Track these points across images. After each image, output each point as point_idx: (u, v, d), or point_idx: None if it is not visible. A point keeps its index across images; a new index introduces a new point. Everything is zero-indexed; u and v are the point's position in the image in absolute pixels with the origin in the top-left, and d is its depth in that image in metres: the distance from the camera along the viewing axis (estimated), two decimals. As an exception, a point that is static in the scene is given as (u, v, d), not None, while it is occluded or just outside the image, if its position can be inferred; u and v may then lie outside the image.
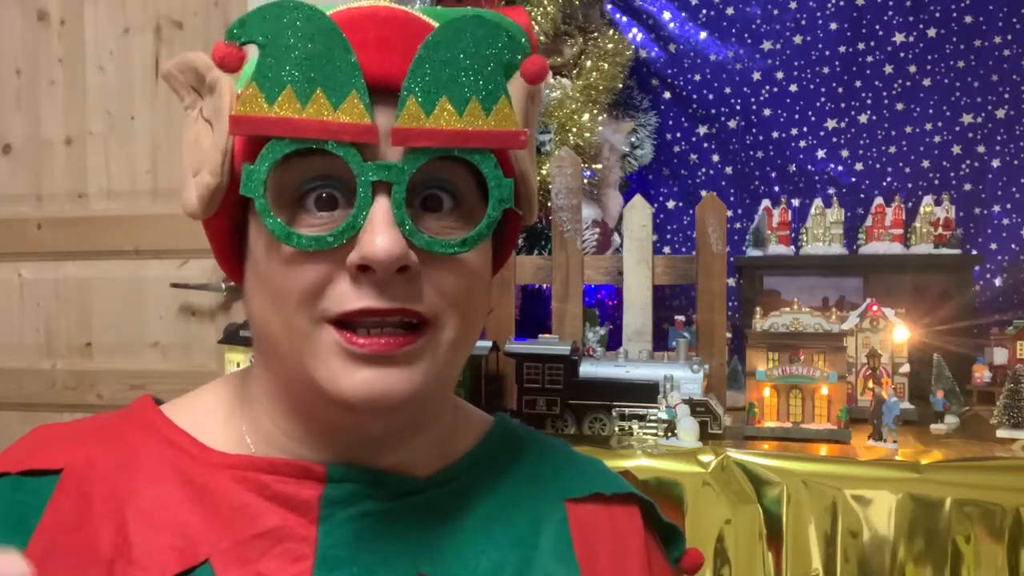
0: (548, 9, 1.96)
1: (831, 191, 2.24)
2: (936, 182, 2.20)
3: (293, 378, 0.52)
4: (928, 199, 1.99)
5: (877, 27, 2.22)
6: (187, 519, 0.51)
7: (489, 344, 1.49)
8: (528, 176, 0.57)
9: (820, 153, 2.27)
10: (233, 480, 0.53)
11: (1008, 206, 2.16)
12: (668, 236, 2.40)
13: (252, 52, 0.49)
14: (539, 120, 1.71)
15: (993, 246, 2.16)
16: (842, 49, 2.24)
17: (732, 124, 2.32)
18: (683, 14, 2.33)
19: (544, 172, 1.75)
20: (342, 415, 0.51)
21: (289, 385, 0.53)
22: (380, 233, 0.47)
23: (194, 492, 0.53)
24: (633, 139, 2.23)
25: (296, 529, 0.52)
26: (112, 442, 0.55)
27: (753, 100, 2.30)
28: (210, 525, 0.51)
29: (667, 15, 2.34)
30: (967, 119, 2.18)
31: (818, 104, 2.27)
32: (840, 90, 2.25)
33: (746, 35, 2.30)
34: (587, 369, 1.41)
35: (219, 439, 0.56)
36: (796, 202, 2.18)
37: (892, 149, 2.23)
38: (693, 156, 2.36)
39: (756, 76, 2.29)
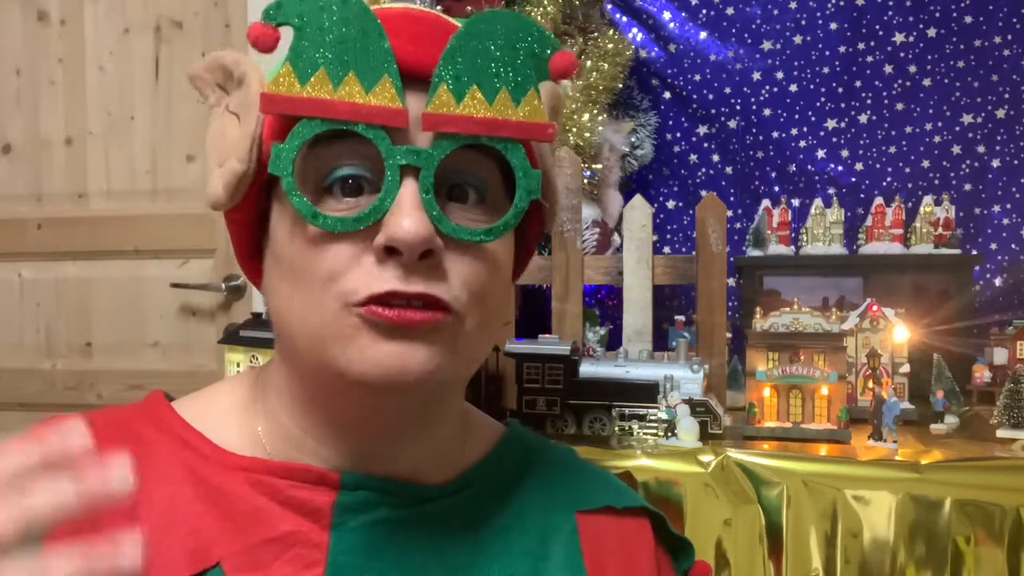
0: (548, 9, 1.96)
1: (831, 191, 2.24)
2: (936, 182, 2.20)
3: (313, 368, 0.51)
4: (928, 199, 1.99)
5: (877, 27, 2.22)
6: (199, 521, 0.51)
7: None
8: (552, 176, 0.57)
9: (820, 153, 2.27)
10: (247, 483, 0.53)
11: (1008, 206, 2.16)
12: (668, 236, 2.40)
13: (287, 36, 0.50)
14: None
15: (993, 246, 2.16)
16: (842, 49, 2.24)
17: (732, 124, 2.32)
18: (683, 14, 2.33)
19: (544, 172, 1.74)
20: (359, 403, 0.51)
21: (308, 378, 0.53)
22: (408, 216, 0.47)
23: (207, 493, 0.52)
24: (633, 139, 2.23)
25: (308, 535, 0.52)
26: (125, 439, 0.55)
27: (753, 100, 2.30)
28: (222, 528, 0.51)
29: (667, 15, 2.34)
30: (967, 119, 2.18)
31: (818, 104, 2.27)
32: (840, 90, 2.25)
33: (746, 35, 2.30)
34: (587, 369, 1.41)
35: (234, 440, 0.55)
36: (796, 202, 2.18)
37: (892, 149, 2.23)
38: (693, 156, 2.36)
39: (756, 76, 2.29)
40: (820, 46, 2.25)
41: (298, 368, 0.54)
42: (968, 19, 2.16)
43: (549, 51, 0.51)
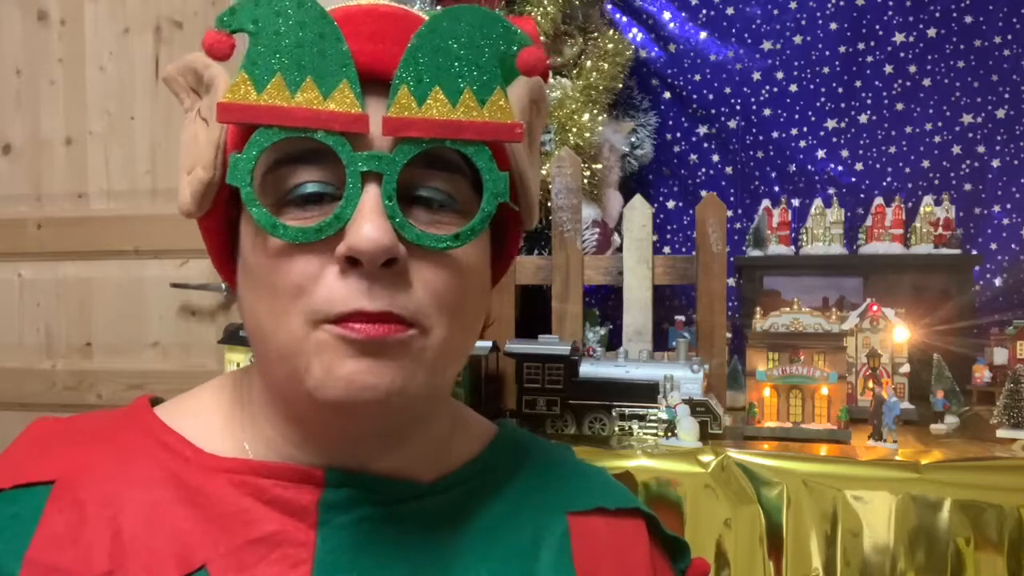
0: (548, 9, 1.96)
1: (831, 191, 2.24)
2: (936, 182, 2.20)
3: (284, 379, 0.50)
4: (928, 199, 1.99)
5: (877, 27, 2.22)
6: (183, 525, 0.51)
7: (489, 344, 1.49)
8: (527, 177, 0.56)
9: (820, 153, 2.27)
10: (230, 484, 0.52)
11: (1008, 206, 2.16)
12: (668, 236, 2.40)
13: (243, 42, 0.48)
14: (539, 120, 1.70)
15: (993, 246, 2.16)
16: (842, 49, 2.24)
17: (732, 124, 2.32)
18: (683, 14, 2.33)
19: (544, 172, 1.75)
20: (334, 417, 0.50)
21: (282, 387, 0.52)
22: (368, 222, 0.45)
23: (189, 497, 0.52)
24: (633, 139, 2.23)
25: (294, 534, 0.51)
26: (106, 445, 0.54)
27: (753, 100, 2.30)
28: (206, 530, 0.50)
29: (667, 15, 2.34)
30: (967, 119, 2.18)
31: (818, 104, 2.27)
32: (840, 90, 2.25)
33: (746, 35, 2.30)
34: (587, 369, 1.41)
35: (216, 442, 0.55)
36: (796, 202, 2.18)
37: (892, 149, 2.23)
38: (693, 156, 2.36)
39: (756, 76, 2.29)
40: (820, 46, 2.25)
41: (271, 381, 0.53)
42: (968, 19, 2.16)
43: (516, 47, 0.49)
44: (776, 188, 2.30)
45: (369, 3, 0.51)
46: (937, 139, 2.19)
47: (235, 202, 0.52)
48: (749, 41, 2.30)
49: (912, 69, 2.20)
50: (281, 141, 0.47)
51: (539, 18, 1.95)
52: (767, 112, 2.29)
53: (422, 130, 0.47)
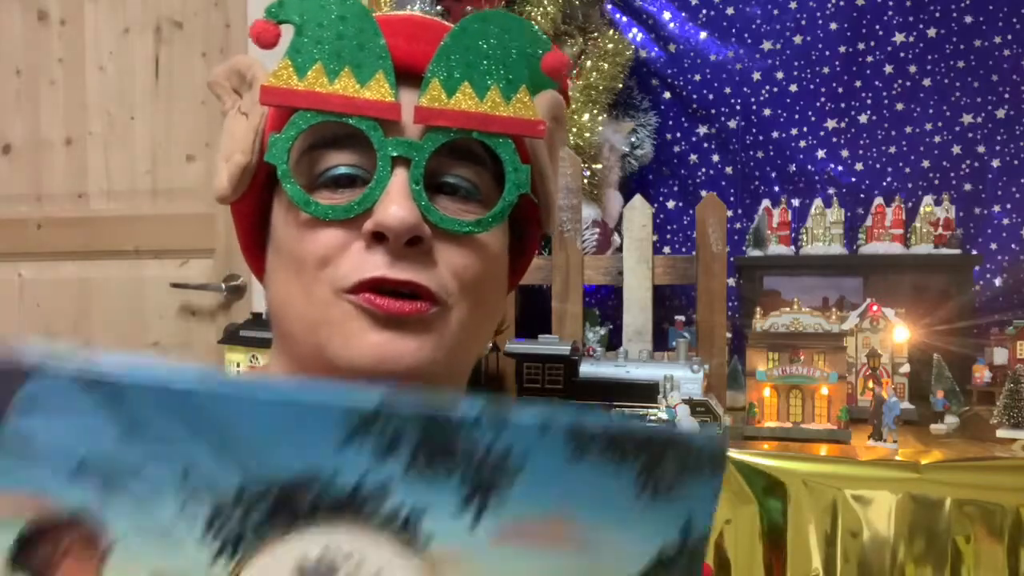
0: (548, 9, 1.96)
1: (831, 191, 2.24)
2: (936, 182, 2.20)
3: (307, 356, 0.52)
4: (928, 199, 1.99)
5: (877, 27, 2.22)
6: None
7: (489, 344, 1.49)
8: (548, 178, 0.58)
9: (820, 153, 2.27)
10: None
11: (1008, 206, 2.16)
12: (668, 236, 2.40)
13: (288, 34, 0.52)
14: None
15: (993, 246, 2.16)
16: (842, 49, 2.24)
17: (732, 124, 2.32)
18: (683, 14, 2.33)
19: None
20: None
21: (305, 362, 0.53)
22: (395, 203, 0.48)
23: None
24: (633, 139, 2.23)
25: None
26: None
27: (753, 100, 2.30)
28: None
29: (667, 15, 2.34)
30: (967, 119, 2.18)
31: (818, 104, 2.27)
32: (840, 90, 2.25)
33: (746, 35, 2.30)
34: (587, 369, 1.41)
35: None
36: (796, 202, 2.18)
37: (892, 149, 2.23)
38: (693, 156, 2.36)
39: (756, 76, 2.29)
40: (820, 46, 2.25)
41: (293, 357, 0.54)
42: (968, 19, 2.16)
43: (541, 51, 0.53)
44: (776, 188, 2.30)
45: (407, 13, 0.56)
46: (937, 139, 2.19)
47: (268, 186, 0.55)
48: (749, 41, 2.30)
49: (912, 69, 2.20)
50: (317, 124, 0.50)
51: (539, 18, 1.95)
52: (767, 112, 2.29)
53: (451, 120, 0.50)
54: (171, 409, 0.26)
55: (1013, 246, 2.15)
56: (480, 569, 0.27)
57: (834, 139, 2.26)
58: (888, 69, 2.22)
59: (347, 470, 0.26)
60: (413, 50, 0.51)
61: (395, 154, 0.49)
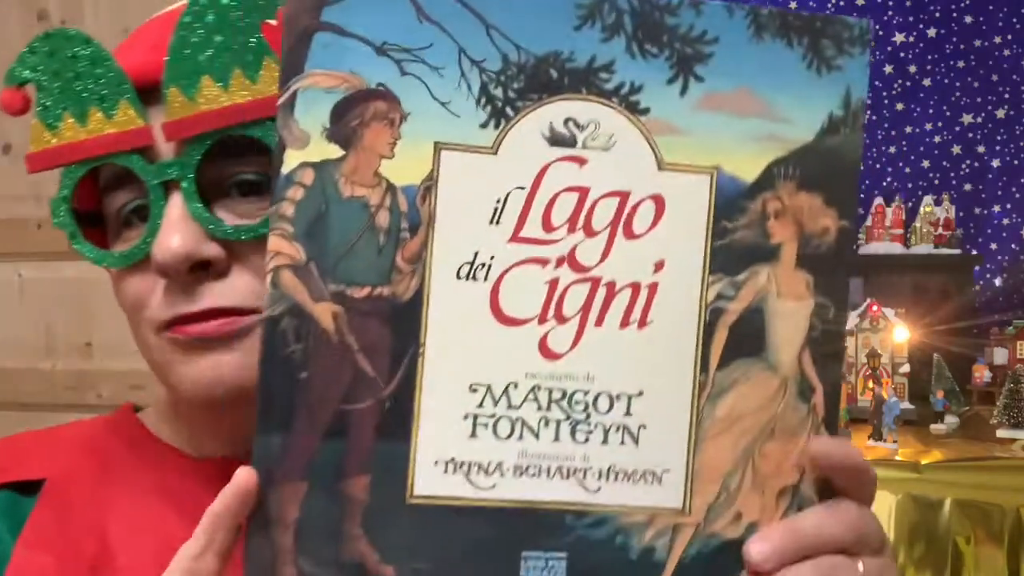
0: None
1: (831, 191, 2.24)
2: (936, 182, 2.20)
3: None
4: (928, 199, 2.00)
5: (877, 27, 2.22)
6: (167, 526, 0.51)
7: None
8: None
9: (820, 153, 2.27)
10: (211, 482, 0.52)
11: (1008, 206, 2.16)
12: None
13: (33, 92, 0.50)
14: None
15: (993, 246, 2.16)
16: (842, 49, 2.24)
17: (732, 124, 2.32)
18: (683, 14, 2.34)
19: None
20: (224, 416, 0.50)
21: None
22: (168, 233, 0.45)
23: (172, 498, 0.52)
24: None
25: None
26: (90, 451, 0.55)
27: (753, 100, 2.30)
28: (190, 531, 0.51)
29: (667, 15, 2.34)
30: (967, 119, 2.18)
31: (818, 104, 2.27)
32: (840, 90, 2.25)
33: (746, 35, 2.30)
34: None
35: (198, 444, 0.55)
36: (796, 202, 2.18)
37: (892, 149, 2.23)
38: (693, 156, 2.37)
39: (756, 76, 2.30)
40: (820, 46, 2.25)
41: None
42: (968, 19, 2.16)
43: (267, 18, 0.48)
44: (776, 188, 2.30)
45: (177, 6, 0.50)
46: (937, 139, 2.19)
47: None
48: (749, 41, 2.30)
49: (912, 69, 2.20)
50: (87, 174, 0.48)
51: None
52: (767, 112, 2.29)
53: (199, 125, 0.47)
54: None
55: (1013, 246, 2.15)
56: (687, 130, 0.35)
57: (834, 139, 2.26)
58: (888, 69, 2.22)
59: (581, 49, 0.34)
60: (151, 61, 0.47)
61: (157, 181, 0.46)
